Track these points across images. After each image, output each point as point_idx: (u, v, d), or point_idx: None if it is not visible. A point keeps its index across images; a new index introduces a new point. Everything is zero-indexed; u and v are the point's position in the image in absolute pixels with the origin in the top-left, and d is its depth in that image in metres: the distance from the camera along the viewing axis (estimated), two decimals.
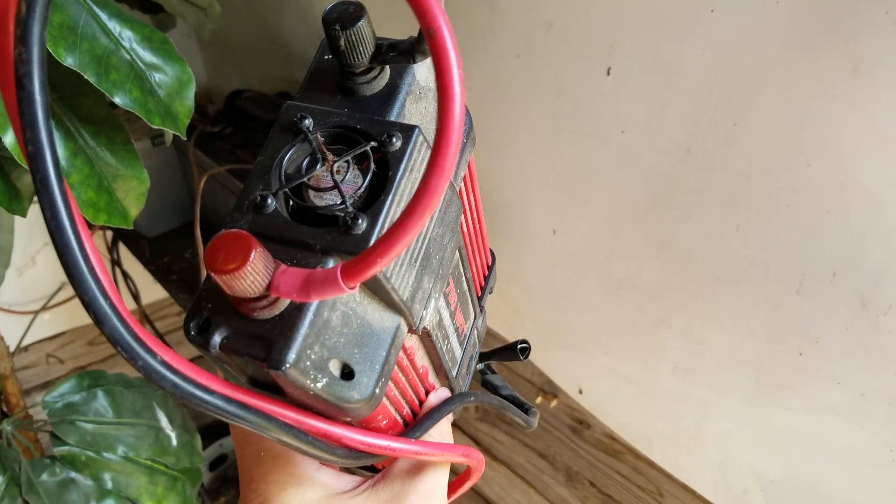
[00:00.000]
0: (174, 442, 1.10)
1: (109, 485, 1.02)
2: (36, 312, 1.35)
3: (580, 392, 1.02)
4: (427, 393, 0.38)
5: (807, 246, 0.65)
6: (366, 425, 0.32)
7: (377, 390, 0.28)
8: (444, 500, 0.36)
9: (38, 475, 0.98)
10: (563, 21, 0.74)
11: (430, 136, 0.31)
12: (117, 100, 0.63)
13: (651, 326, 0.83)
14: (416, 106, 0.31)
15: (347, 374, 0.27)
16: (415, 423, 0.35)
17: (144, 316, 1.31)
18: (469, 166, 0.36)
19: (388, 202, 0.27)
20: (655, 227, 0.76)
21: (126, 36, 0.66)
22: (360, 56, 0.29)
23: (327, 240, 0.26)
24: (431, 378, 0.38)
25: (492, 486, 1.15)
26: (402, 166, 0.28)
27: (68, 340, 1.55)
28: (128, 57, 0.65)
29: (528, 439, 1.12)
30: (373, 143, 0.28)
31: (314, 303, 0.26)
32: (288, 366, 0.24)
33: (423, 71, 0.32)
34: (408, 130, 0.29)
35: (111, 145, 0.72)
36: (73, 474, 1.01)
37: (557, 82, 0.78)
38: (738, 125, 0.65)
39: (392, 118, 0.30)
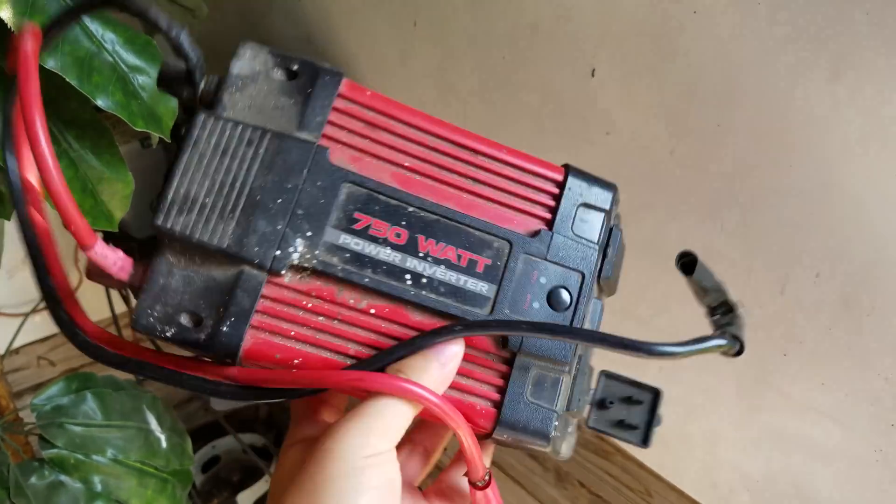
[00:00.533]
0: (164, 444, 1.10)
1: (99, 487, 1.02)
2: (27, 315, 1.34)
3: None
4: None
5: (790, 247, 0.66)
6: (262, 365, 0.37)
7: (225, 328, 0.35)
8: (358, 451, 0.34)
9: (27, 478, 0.98)
10: (548, 23, 0.74)
11: (281, 112, 0.37)
12: (100, 102, 0.63)
13: (635, 327, 0.83)
14: (240, 94, 0.37)
15: (196, 321, 0.35)
16: (373, 356, 0.37)
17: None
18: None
19: (170, 177, 0.35)
20: (640, 229, 0.76)
21: (109, 38, 0.66)
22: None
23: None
24: (418, 318, 0.38)
25: None
26: (183, 146, 0.36)
27: (60, 342, 1.54)
28: (110, 59, 0.65)
29: None
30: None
31: (149, 278, 0.35)
32: (134, 325, 0.35)
33: (241, 63, 0.37)
34: (191, 118, 0.36)
35: (95, 148, 0.72)
36: (62, 477, 1.01)
37: (543, 84, 0.78)
38: (721, 126, 0.65)
39: (222, 113, 0.36)
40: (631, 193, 0.76)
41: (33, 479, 0.99)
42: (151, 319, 0.35)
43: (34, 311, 1.41)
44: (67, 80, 0.61)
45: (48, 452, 0.97)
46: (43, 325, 1.52)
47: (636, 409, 0.43)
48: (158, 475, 1.10)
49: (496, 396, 0.38)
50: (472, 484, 0.38)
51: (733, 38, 0.61)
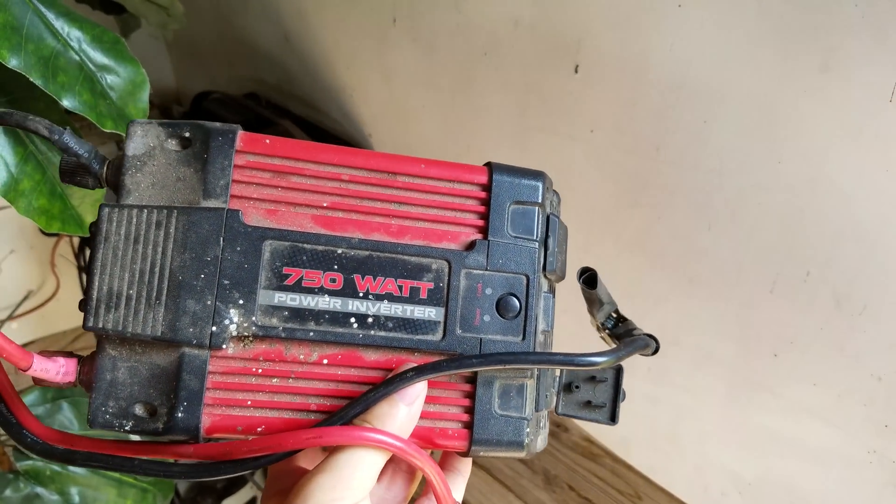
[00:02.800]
0: None
1: (76, 499, 1.00)
2: (2, 321, 1.32)
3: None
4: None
5: (780, 245, 0.64)
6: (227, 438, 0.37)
7: (180, 414, 0.35)
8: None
9: (2, 491, 0.95)
10: (530, 18, 0.72)
11: (184, 184, 0.37)
12: (66, 103, 0.61)
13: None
14: (140, 175, 0.37)
15: (151, 411, 0.35)
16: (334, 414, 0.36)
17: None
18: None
19: (89, 276, 0.36)
20: (627, 227, 0.75)
21: (75, 36, 0.63)
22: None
23: None
24: (373, 357, 0.38)
25: (470, 490, 1.13)
26: (94, 243, 0.36)
27: (38, 349, 1.51)
28: (77, 58, 0.63)
29: None
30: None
31: (95, 375, 0.35)
32: (92, 424, 0.35)
33: (134, 143, 0.37)
34: (97, 213, 0.36)
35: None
36: (38, 489, 0.99)
37: (525, 80, 0.76)
38: (707, 122, 0.64)
39: (127, 199, 0.36)
40: (617, 191, 0.75)
41: (8, 492, 0.97)
42: (108, 416, 0.35)
43: (10, 317, 1.38)
44: (32, 80, 0.59)
45: (23, 464, 0.95)
46: (20, 331, 1.49)
47: (601, 387, 0.44)
48: (138, 485, 1.08)
49: (465, 417, 0.38)
50: None
51: (719, 31, 0.60)
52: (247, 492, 1.45)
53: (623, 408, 0.87)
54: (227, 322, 0.36)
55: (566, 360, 0.37)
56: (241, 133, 0.38)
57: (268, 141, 0.38)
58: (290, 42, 1.09)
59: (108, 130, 0.64)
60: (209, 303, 0.36)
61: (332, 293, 0.37)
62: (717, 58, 0.61)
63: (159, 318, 0.35)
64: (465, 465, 0.44)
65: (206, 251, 0.36)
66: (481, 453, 0.38)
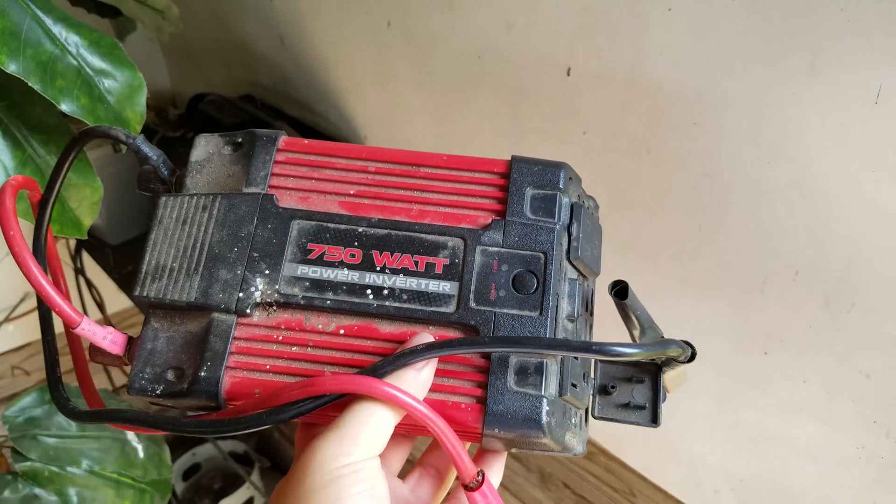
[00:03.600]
0: (141, 454, 1.08)
1: (74, 500, 1.00)
2: None
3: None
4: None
5: (769, 245, 0.65)
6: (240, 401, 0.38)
7: (202, 373, 0.37)
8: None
9: (1, 492, 0.96)
10: (523, 22, 0.73)
11: (232, 178, 0.42)
12: (64, 107, 0.62)
13: (616, 327, 0.82)
14: (199, 175, 0.42)
15: (179, 375, 0.38)
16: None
17: (110, 325, 1.28)
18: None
19: (143, 253, 0.40)
20: (618, 228, 0.76)
21: (73, 41, 0.64)
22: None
23: None
24: (387, 329, 0.39)
25: None
26: (151, 226, 0.40)
27: (34, 351, 1.52)
28: (75, 63, 0.63)
29: None
30: None
31: (139, 346, 0.39)
32: (129, 389, 0.38)
33: (197, 151, 0.43)
34: (161, 199, 0.41)
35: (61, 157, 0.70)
36: (36, 490, 0.99)
37: (518, 83, 0.77)
38: (698, 125, 0.65)
39: (183, 193, 0.42)
40: (610, 193, 0.75)
41: (7, 493, 0.97)
42: (143, 382, 0.38)
43: (7, 319, 1.38)
44: (30, 84, 0.59)
45: (21, 465, 0.95)
46: (17, 333, 1.49)
47: (639, 389, 0.43)
48: (136, 486, 1.08)
49: (479, 392, 0.38)
50: (466, 487, 0.37)
51: (708, 34, 0.61)
52: (244, 492, 1.46)
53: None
54: (252, 289, 0.39)
55: (583, 346, 0.36)
56: (284, 137, 0.43)
57: (306, 142, 0.43)
58: (286, 44, 1.10)
59: None
60: (239, 272, 0.39)
61: (351, 266, 0.40)
62: (706, 61, 0.62)
63: (195, 286, 0.39)
64: (498, 462, 0.43)
65: (241, 228, 0.40)
66: (496, 430, 0.37)
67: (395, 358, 0.36)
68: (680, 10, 0.62)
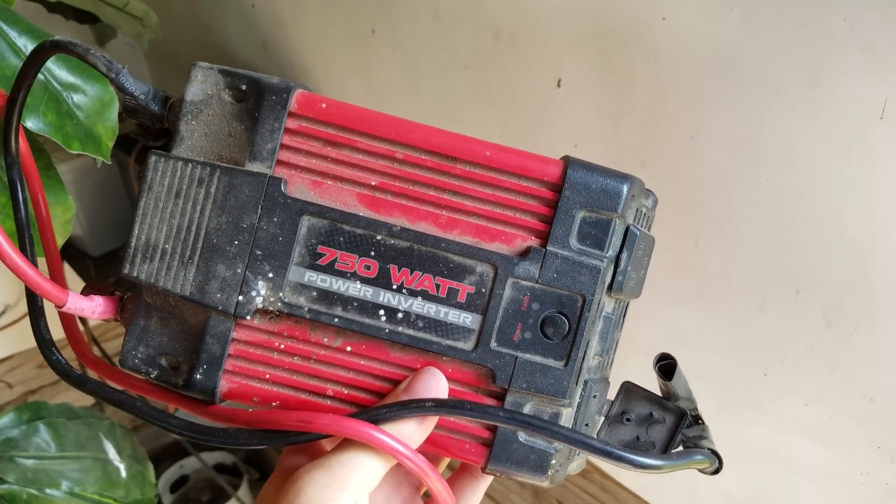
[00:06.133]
0: (123, 474, 1.05)
1: None
2: None
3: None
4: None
5: (769, 262, 0.63)
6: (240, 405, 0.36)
7: (199, 376, 0.35)
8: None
9: None
10: (511, 30, 0.70)
11: (234, 140, 0.35)
12: (29, 124, 0.59)
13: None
14: (195, 123, 0.35)
15: (173, 365, 0.36)
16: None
17: (92, 338, 1.26)
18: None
19: (132, 224, 0.35)
20: None
21: None
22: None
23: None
24: (397, 354, 0.36)
25: None
26: (140, 191, 0.35)
27: (17, 364, 1.49)
28: (41, 77, 0.60)
29: None
30: None
31: (132, 314, 0.36)
32: (122, 364, 0.36)
33: (194, 88, 0.35)
34: (146, 160, 0.35)
35: None
36: None
37: (508, 94, 0.75)
38: (693, 137, 0.62)
39: (179, 146, 0.35)
40: None
41: None
42: (137, 360, 0.36)
43: None
44: None
45: None
46: None
47: (656, 428, 0.39)
48: None
49: (486, 434, 0.36)
50: None
51: (705, 45, 0.58)
52: None
53: None
54: (253, 294, 0.35)
55: (605, 451, 0.33)
56: (298, 92, 0.35)
57: (324, 105, 0.35)
58: (268, 50, 1.07)
59: (74, 151, 0.62)
60: (239, 271, 0.35)
61: (365, 281, 0.35)
62: (702, 71, 0.60)
63: (190, 277, 0.35)
64: (482, 484, 0.42)
65: (242, 217, 0.35)
66: (498, 472, 0.36)
67: (400, 407, 0.33)
68: (675, 18, 0.59)
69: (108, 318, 0.37)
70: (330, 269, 0.35)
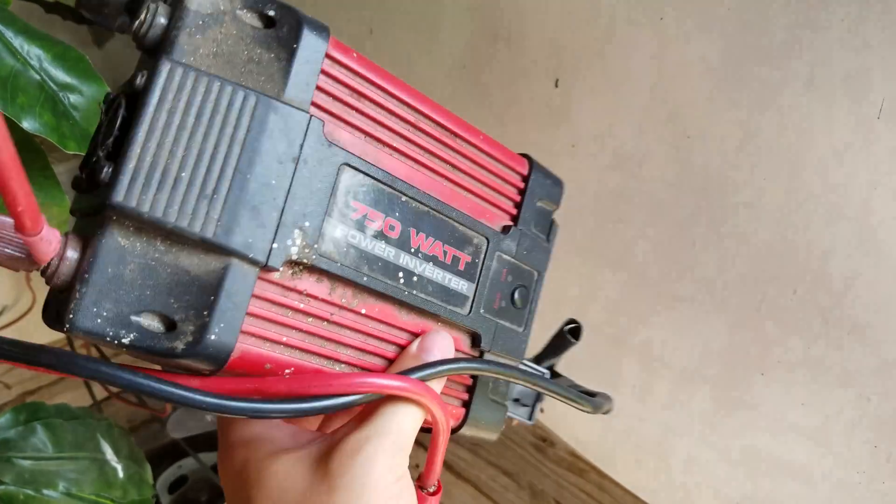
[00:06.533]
0: (121, 474, 1.05)
1: None
2: None
3: (541, 411, 0.98)
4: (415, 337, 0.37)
5: (766, 263, 0.63)
6: (253, 374, 0.31)
7: (213, 336, 0.28)
8: (391, 466, 0.31)
9: None
10: (508, 32, 0.70)
11: (259, 68, 0.30)
12: (26, 125, 0.58)
13: (609, 345, 0.80)
14: (201, 37, 0.29)
15: (169, 326, 0.28)
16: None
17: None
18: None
19: (132, 140, 0.27)
20: (610, 244, 0.73)
21: (35, 54, 0.61)
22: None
23: (92, 200, 0.28)
24: (405, 318, 0.36)
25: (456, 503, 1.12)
26: (147, 101, 0.27)
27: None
28: (37, 77, 0.60)
29: (491, 457, 1.09)
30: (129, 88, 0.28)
31: (91, 264, 0.27)
32: (69, 327, 0.26)
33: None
34: (154, 65, 0.28)
35: (28, 171, 0.67)
36: None
37: (505, 95, 0.74)
38: (691, 138, 0.62)
39: (176, 57, 0.28)
40: (599, 207, 0.73)
41: None
42: (99, 321, 0.27)
43: None
44: None
45: None
46: None
47: (527, 392, 0.47)
48: None
49: (465, 396, 0.39)
50: (424, 489, 0.36)
51: (703, 45, 0.58)
52: None
53: (609, 424, 0.85)
54: (288, 242, 0.30)
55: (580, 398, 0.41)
56: (331, 37, 0.32)
57: (355, 55, 0.33)
58: None
59: (70, 152, 0.62)
60: (275, 214, 0.30)
61: (390, 241, 0.34)
62: (699, 71, 0.59)
63: (214, 216, 0.28)
64: None
65: (280, 153, 0.30)
66: (468, 432, 0.39)
67: (441, 364, 0.34)
68: (672, 19, 0.59)
69: (46, 258, 0.27)
70: (360, 226, 0.33)
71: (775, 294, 0.63)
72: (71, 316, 0.27)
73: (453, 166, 0.36)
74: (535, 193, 0.40)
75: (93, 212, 0.28)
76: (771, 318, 0.64)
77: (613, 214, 0.72)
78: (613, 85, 0.65)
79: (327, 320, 0.33)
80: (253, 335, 0.30)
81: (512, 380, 0.38)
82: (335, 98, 0.32)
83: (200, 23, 0.29)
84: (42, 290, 1.34)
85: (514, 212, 0.39)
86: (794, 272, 0.61)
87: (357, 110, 0.33)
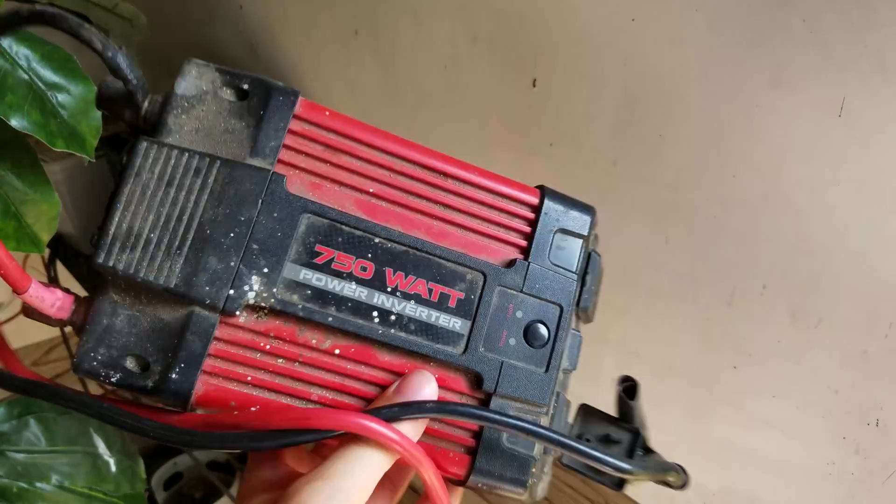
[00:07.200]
0: (113, 468, 1.06)
1: None
2: None
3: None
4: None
5: (736, 258, 0.64)
6: (215, 411, 0.34)
7: (174, 375, 0.33)
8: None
9: None
10: (488, 32, 0.72)
11: (232, 136, 0.34)
12: (14, 123, 0.60)
13: (588, 339, 0.81)
14: (186, 117, 0.34)
15: (143, 366, 0.33)
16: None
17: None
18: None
19: (111, 211, 0.33)
20: None
21: (23, 54, 0.62)
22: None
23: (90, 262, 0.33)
24: (386, 358, 0.36)
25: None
26: (124, 176, 0.33)
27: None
28: (25, 77, 0.62)
29: None
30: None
31: (91, 318, 0.33)
32: (74, 370, 0.33)
33: (186, 82, 0.35)
34: (133, 145, 0.33)
35: (17, 168, 0.68)
36: None
37: (485, 94, 0.76)
38: (663, 137, 0.63)
39: (167, 139, 0.34)
40: None
41: None
42: (95, 363, 0.33)
43: None
44: None
45: None
46: None
47: (614, 449, 0.41)
48: (107, 500, 1.07)
49: (471, 442, 0.36)
50: None
51: (672, 47, 0.60)
52: (225, 502, 1.45)
53: None
54: (245, 288, 0.34)
55: (593, 455, 0.34)
56: (301, 99, 0.36)
57: (327, 113, 0.36)
58: (257, 52, 1.09)
59: (58, 149, 0.63)
60: (232, 264, 0.34)
61: (361, 282, 0.35)
62: (670, 73, 0.61)
63: (176, 268, 0.33)
64: (455, 497, 0.41)
65: (241, 210, 0.34)
66: (480, 484, 0.36)
67: (403, 407, 0.33)
68: (643, 21, 0.60)
69: (63, 317, 0.34)
70: (326, 269, 0.35)
71: (745, 289, 0.65)
72: (75, 360, 0.33)
73: (445, 205, 0.37)
74: (550, 224, 0.38)
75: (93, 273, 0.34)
76: (742, 312, 0.66)
77: None
78: (588, 85, 0.67)
79: (297, 360, 0.35)
80: (217, 374, 0.34)
81: (500, 427, 0.35)
82: (303, 153, 0.35)
83: (186, 104, 0.35)
84: None
85: (524, 244, 0.38)
86: (762, 268, 0.63)
87: (328, 161, 0.36)
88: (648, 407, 0.80)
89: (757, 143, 0.59)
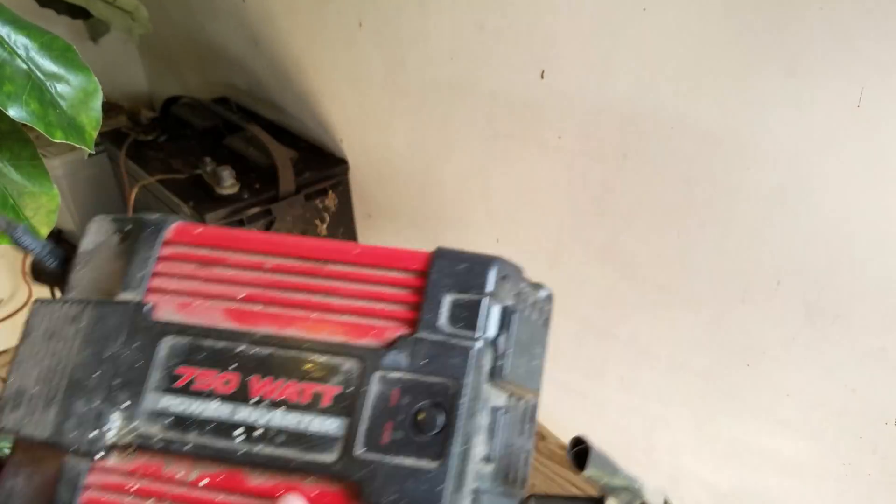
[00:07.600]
0: None
1: None
2: None
3: None
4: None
5: (749, 253, 0.63)
6: None
7: None
8: None
9: None
10: (495, 23, 0.70)
11: (112, 277, 0.35)
12: (12, 113, 0.59)
13: (596, 336, 0.80)
14: (85, 270, 0.35)
15: None
16: None
17: None
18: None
19: (9, 375, 0.33)
20: (597, 235, 0.73)
21: (22, 44, 0.61)
22: None
23: None
24: (257, 481, 0.32)
25: None
26: (21, 338, 0.34)
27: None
28: (24, 66, 0.61)
29: None
30: None
31: (2, 478, 0.33)
32: None
33: (87, 238, 0.36)
34: (32, 305, 0.34)
35: (16, 161, 0.67)
36: None
37: (492, 86, 0.75)
38: (674, 128, 0.62)
39: (68, 295, 0.35)
40: (585, 199, 0.73)
41: None
42: None
43: None
44: None
45: None
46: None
47: None
48: None
49: None
50: None
51: (684, 35, 0.58)
52: None
53: (596, 416, 0.86)
54: (105, 428, 0.32)
55: None
56: (176, 224, 0.36)
57: (199, 231, 0.36)
58: (260, 46, 1.07)
59: (57, 140, 0.62)
60: (95, 404, 0.32)
61: (223, 398, 0.32)
62: (682, 62, 0.60)
63: (49, 419, 0.32)
64: None
65: (106, 347, 0.33)
66: None
67: None
68: (655, 10, 0.59)
69: None
70: (186, 391, 0.33)
71: (759, 285, 0.63)
72: None
73: (322, 293, 0.34)
74: (440, 287, 0.33)
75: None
76: (756, 308, 0.64)
77: (600, 206, 0.72)
78: (597, 76, 0.65)
79: (165, 499, 0.32)
80: None
81: None
82: (174, 276, 0.35)
83: (86, 258, 0.36)
84: (36, 285, 1.35)
85: (412, 315, 0.33)
86: (777, 263, 0.61)
87: (198, 278, 0.35)
88: (658, 406, 0.79)
89: (771, 134, 0.57)
